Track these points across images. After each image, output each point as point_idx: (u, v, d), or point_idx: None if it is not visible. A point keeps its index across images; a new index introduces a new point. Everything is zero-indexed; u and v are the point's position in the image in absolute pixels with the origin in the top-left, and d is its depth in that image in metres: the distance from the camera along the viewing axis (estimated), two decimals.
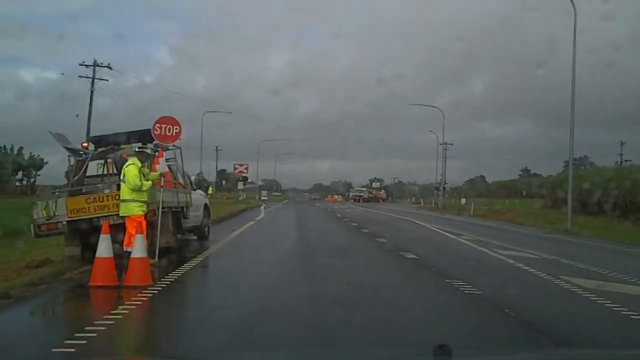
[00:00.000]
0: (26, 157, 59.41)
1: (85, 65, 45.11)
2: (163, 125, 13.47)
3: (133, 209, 11.17)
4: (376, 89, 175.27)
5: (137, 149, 12.14)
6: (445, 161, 69.47)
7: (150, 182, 11.46)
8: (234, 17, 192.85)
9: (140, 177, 11.26)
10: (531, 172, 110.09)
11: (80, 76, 45.14)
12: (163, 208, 12.02)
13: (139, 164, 11.44)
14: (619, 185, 32.69)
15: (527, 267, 12.80)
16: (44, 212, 11.73)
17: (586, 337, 7.20)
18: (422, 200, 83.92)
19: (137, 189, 11.14)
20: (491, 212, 43.94)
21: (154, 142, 13.44)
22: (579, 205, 32.63)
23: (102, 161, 13.39)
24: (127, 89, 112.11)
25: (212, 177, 77.83)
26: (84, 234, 11.91)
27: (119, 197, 11.34)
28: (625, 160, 69.78)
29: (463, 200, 62.77)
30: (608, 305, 8.75)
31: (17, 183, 59.25)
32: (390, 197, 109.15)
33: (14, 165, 55.96)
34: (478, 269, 13.13)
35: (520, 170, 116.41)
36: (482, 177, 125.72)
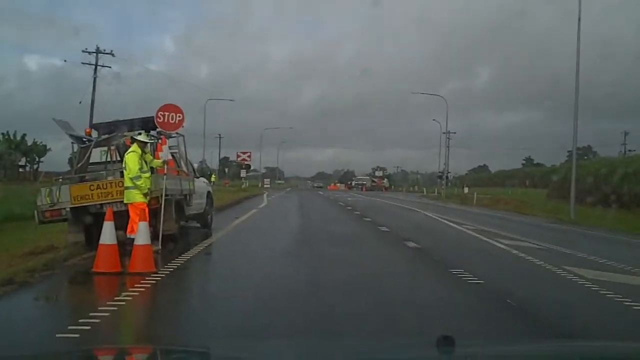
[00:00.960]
0: (29, 143, 59.51)
1: (88, 52, 45.19)
2: (166, 113, 13.48)
3: (135, 197, 11.18)
4: (381, 77, 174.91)
5: (132, 137, 12.11)
6: (448, 150, 69.49)
7: (148, 175, 11.40)
8: (238, 5, 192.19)
9: (140, 165, 11.25)
10: (534, 162, 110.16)
11: (83, 63, 45.19)
12: (166, 195, 12.03)
13: (139, 151, 11.43)
14: (623, 175, 32.61)
15: (529, 257, 12.80)
16: (47, 198, 11.76)
17: (588, 328, 7.20)
18: (424, 189, 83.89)
19: (136, 178, 11.13)
20: (494, 202, 43.89)
21: (157, 130, 13.44)
22: (584, 195, 32.56)
23: (106, 148, 13.39)
24: (130, 77, 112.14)
25: (214, 165, 78.06)
26: (88, 221, 11.95)
27: (123, 184, 11.36)
28: (629, 150, 69.76)
29: (466, 190, 62.83)
30: (610, 295, 8.75)
31: (21, 169, 59.34)
32: (393, 186, 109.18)
33: (17, 151, 56.07)
34: (480, 258, 13.15)
35: (524, 160, 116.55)
36: (485, 166, 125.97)
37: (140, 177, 11.18)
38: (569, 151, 51.20)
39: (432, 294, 9.13)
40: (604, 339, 6.27)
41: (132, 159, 11.23)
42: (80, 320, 6.35)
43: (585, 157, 66.35)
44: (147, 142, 11.84)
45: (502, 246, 15.03)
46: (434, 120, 67.39)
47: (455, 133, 72.95)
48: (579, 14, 27.68)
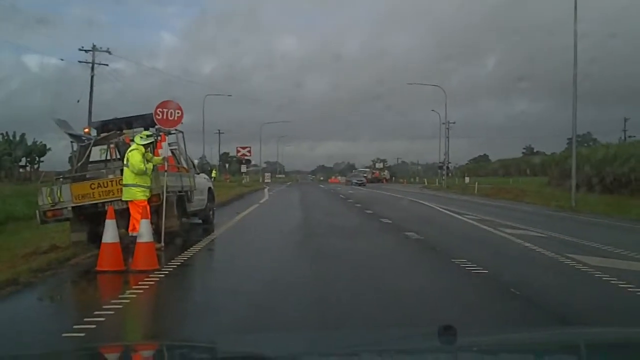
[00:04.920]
0: (29, 143, 59.44)
1: (85, 51, 44.94)
2: (165, 110, 13.42)
3: (136, 194, 11.19)
4: (381, 69, 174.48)
5: (139, 136, 12.08)
6: (447, 140, 69.26)
7: (152, 165, 11.47)
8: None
9: (144, 162, 11.27)
10: (534, 150, 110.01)
11: (79, 61, 45.03)
12: (167, 192, 12.03)
13: (142, 149, 11.44)
14: (624, 162, 32.59)
15: (532, 246, 12.80)
16: (48, 198, 11.76)
17: (592, 315, 7.21)
18: (425, 180, 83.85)
19: (142, 173, 11.15)
20: (495, 191, 43.86)
21: (156, 127, 13.42)
22: (584, 182, 32.53)
23: (105, 146, 13.39)
24: (128, 74, 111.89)
25: (215, 161, 78.03)
26: (90, 220, 11.95)
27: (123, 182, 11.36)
28: (629, 137, 69.60)
29: (467, 180, 62.83)
30: (614, 282, 8.75)
31: (21, 169, 59.32)
32: (393, 178, 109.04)
33: (17, 152, 56.03)
34: (483, 248, 13.16)
35: (524, 149, 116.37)
36: (486, 155, 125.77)
37: (146, 171, 11.19)
38: (568, 139, 51.10)
39: (435, 284, 9.14)
40: (608, 325, 6.27)
41: (135, 156, 11.23)
42: (85, 319, 6.36)
43: (585, 144, 66.20)
44: (147, 144, 11.80)
45: (504, 235, 15.03)
46: (432, 110, 67.29)
47: (454, 123, 72.48)
48: (575, 1, 27.63)
